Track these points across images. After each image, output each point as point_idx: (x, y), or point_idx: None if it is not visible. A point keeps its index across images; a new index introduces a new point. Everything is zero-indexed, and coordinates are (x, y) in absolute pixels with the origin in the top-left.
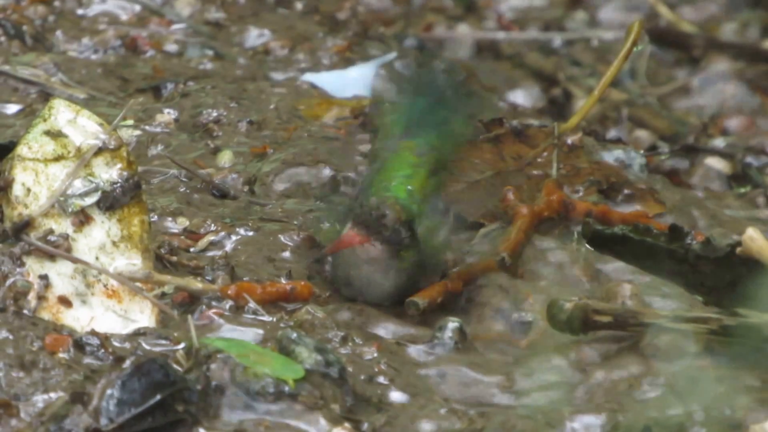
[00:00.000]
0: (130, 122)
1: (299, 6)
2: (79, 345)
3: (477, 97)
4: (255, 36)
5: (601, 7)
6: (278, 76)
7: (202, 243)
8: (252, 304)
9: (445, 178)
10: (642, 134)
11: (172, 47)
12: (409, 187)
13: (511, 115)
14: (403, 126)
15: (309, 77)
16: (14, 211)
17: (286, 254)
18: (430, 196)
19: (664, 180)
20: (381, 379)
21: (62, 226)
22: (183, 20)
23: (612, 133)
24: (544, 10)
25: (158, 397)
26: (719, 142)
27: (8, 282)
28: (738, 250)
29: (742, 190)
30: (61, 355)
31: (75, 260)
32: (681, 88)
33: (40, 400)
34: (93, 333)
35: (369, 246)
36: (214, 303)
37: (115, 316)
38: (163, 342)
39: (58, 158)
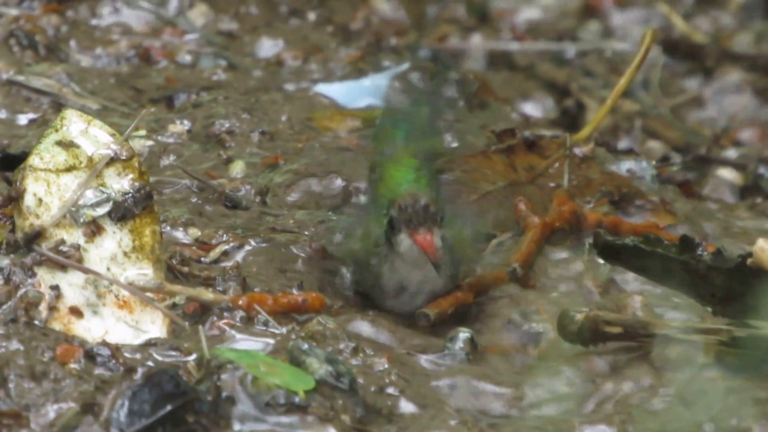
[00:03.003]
0: (143, 132)
1: (312, 16)
2: (90, 355)
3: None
4: (268, 46)
5: (615, 18)
6: (291, 86)
7: (214, 254)
8: (263, 315)
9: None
10: (654, 145)
11: (185, 57)
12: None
13: (524, 125)
14: (401, 133)
15: (321, 88)
16: (26, 222)
17: (298, 265)
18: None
19: (676, 191)
20: (391, 390)
21: (74, 236)
22: (196, 30)
23: (624, 144)
24: (557, 20)
25: (169, 407)
26: (731, 153)
27: (19, 292)
28: (749, 261)
29: (755, 201)
30: (72, 365)
31: (86, 271)
32: (694, 99)
33: (50, 410)
34: (104, 343)
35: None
36: (225, 314)
37: (126, 327)
38: (174, 353)
39: (69, 168)
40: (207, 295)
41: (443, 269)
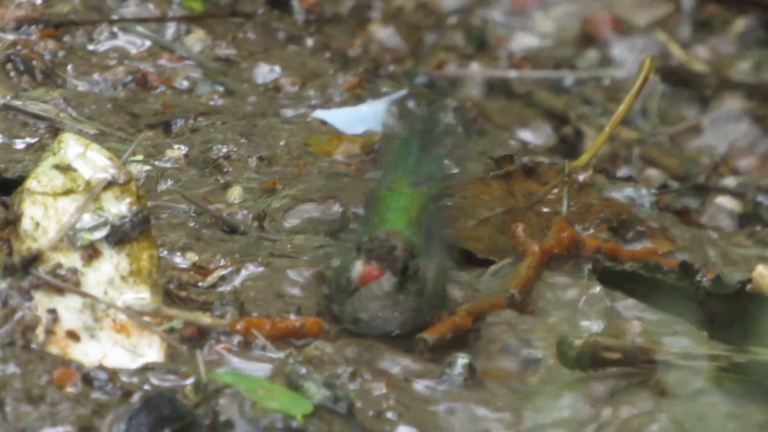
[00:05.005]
0: (140, 157)
1: (310, 42)
2: (87, 379)
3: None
4: (265, 72)
5: (613, 46)
6: (288, 112)
7: (211, 278)
8: (261, 340)
9: (444, 207)
10: (653, 173)
11: (182, 83)
12: (407, 218)
13: (522, 152)
14: (397, 162)
15: (319, 113)
16: (23, 245)
17: (296, 290)
18: (426, 224)
19: (675, 218)
20: (389, 415)
21: (71, 260)
22: (193, 56)
23: (623, 172)
24: (555, 48)
25: (167, 431)
26: (730, 182)
27: (16, 316)
28: (748, 287)
29: (754, 229)
30: (69, 389)
31: (83, 294)
32: (692, 127)
33: None
34: (101, 367)
35: (383, 279)
36: (222, 338)
37: (123, 351)
38: (172, 377)
39: (67, 192)
40: (204, 319)
41: (362, 304)
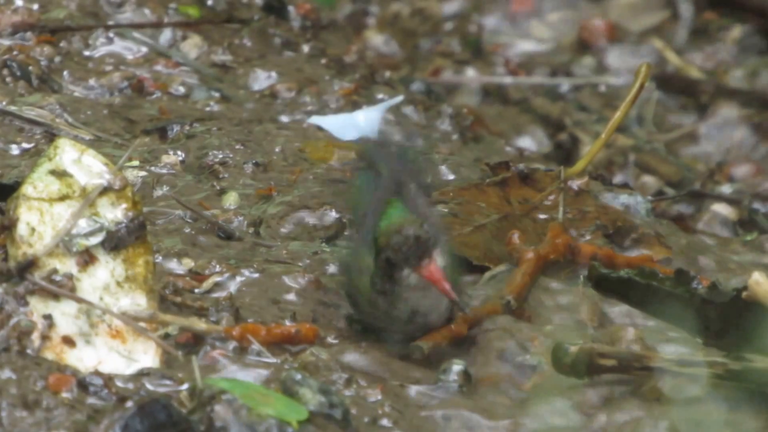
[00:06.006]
0: (136, 163)
1: (306, 49)
2: (83, 385)
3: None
4: (262, 78)
5: (609, 53)
6: (284, 118)
7: (207, 284)
8: (256, 346)
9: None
10: (649, 180)
11: (178, 89)
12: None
13: (518, 159)
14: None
15: (315, 120)
16: (19, 251)
17: (291, 296)
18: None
19: (671, 225)
20: (385, 422)
21: (66, 265)
22: (189, 62)
23: (618, 179)
24: (551, 55)
25: None
26: (726, 189)
27: (12, 321)
28: (744, 294)
29: (749, 236)
30: (64, 395)
31: (79, 300)
32: (688, 134)
33: None
34: (96, 373)
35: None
36: (218, 344)
37: (118, 357)
38: (167, 382)
39: (63, 198)
40: (200, 325)
41: (456, 290)
